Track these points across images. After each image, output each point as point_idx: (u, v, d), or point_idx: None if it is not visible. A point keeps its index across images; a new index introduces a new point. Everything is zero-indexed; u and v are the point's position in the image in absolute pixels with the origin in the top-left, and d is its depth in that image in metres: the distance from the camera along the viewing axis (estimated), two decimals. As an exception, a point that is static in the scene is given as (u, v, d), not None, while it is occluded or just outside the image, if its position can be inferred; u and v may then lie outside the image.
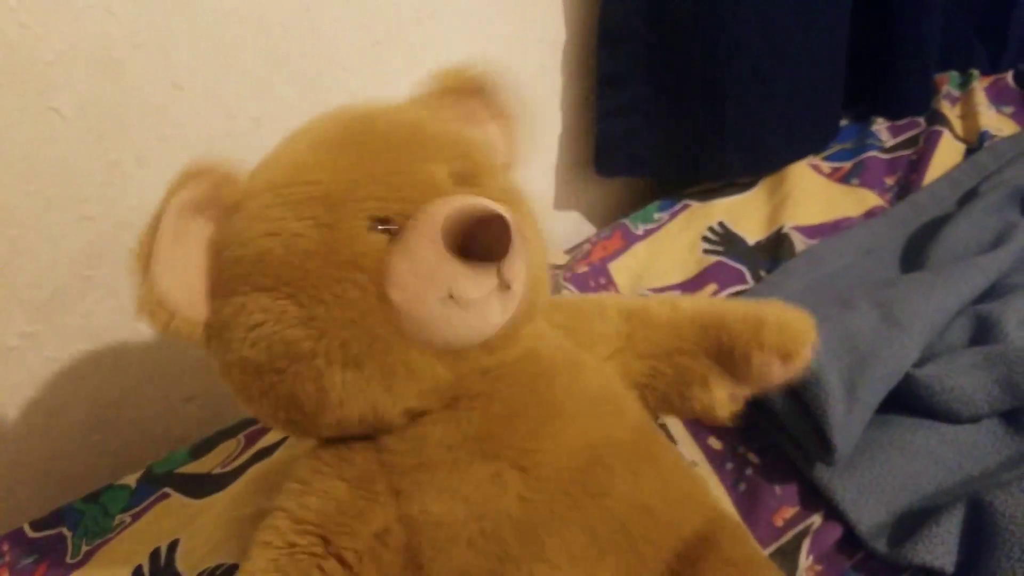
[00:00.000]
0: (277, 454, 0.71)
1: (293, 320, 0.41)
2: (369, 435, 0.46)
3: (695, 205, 0.99)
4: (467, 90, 0.52)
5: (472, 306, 0.41)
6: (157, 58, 0.70)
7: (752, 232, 0.92)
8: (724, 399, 0.56)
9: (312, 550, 0.44)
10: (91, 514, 0.68)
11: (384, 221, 0.42)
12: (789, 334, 0.53)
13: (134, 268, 0.42)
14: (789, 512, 0.61)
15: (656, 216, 0.99)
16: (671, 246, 0.93)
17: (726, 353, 0.54)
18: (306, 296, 0.41)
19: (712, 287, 0.84)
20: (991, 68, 1.16)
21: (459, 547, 0.44)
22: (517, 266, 0.42)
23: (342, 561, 0.44)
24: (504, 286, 0.42)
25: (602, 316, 0.57)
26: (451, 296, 0.41)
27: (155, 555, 0.63)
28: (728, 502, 0.62)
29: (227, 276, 0.43)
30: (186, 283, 0.43)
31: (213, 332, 0.44)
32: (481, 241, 0.40)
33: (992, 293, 0.76)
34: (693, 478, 0.53)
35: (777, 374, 0.54)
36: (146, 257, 0.42)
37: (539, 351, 0.50)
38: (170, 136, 0.73)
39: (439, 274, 0.40)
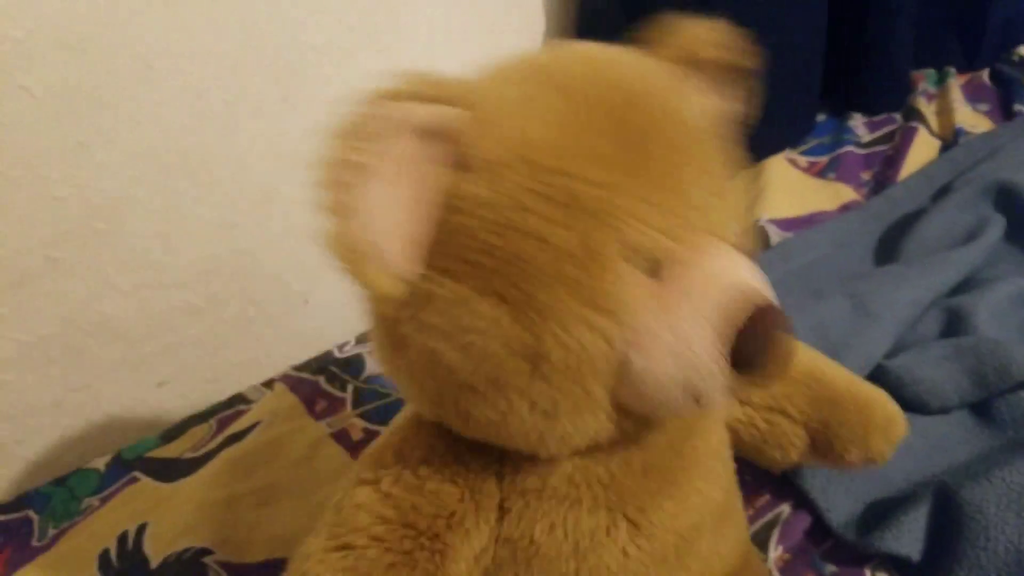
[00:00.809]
0: (250, 438, 0.71)
1: (524, 351, 0.33)
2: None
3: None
4: (719, 63, 0.41)
5: (707, 407, 0.35)
6: (128, 38, 0.69)
7: (728, 224, 0.92)
8: (793, 464, 0.54)
9: (427, 567, 0.38)
10: (58, 497, 0.68)
11: (654, 260, 0.33)
12: (891, 442, 0.51)
13: (324, 184, 0.30)
14: (760, 500, 0.61)
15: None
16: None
17: (826, 438, 0.51)
18: (551, 333, 0.32)
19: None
20: (967, 66, 1.17)
21: None
22: None
23: None
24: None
25: None
26: (693, 392, 0.34)
27: (122, 538, 0.62)
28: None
29: (459, 251, 0.33)
30: (406, 232, 0.32)
31: (411, 301, 0.34)
32: (771, 371, 0.33)
33: (964, 287, 0.76)
34: (744, 523, 0.52)
35: (852, 466, 0.53)
36: (354, 171, 0.30)
37: None
38: (141, 118, 0.72)
39: (703, 376, 0.33)
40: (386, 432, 0.43)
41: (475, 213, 0.32)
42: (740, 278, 0.33)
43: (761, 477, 0.62)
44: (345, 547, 0.38)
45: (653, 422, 0.39)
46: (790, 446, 0.52)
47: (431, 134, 0.32)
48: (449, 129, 0.32)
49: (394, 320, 0.36)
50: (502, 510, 0.40)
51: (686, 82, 0.38)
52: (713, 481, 0.45)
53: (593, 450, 0.39)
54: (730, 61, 0.40)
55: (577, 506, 0.40)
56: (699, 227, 0.33)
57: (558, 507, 0.40)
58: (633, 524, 0.41)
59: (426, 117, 0.31)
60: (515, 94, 0.34)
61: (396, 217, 0.32)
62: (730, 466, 0.48)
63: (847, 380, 0.53)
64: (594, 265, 0.32)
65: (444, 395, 0.36)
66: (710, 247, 0.33)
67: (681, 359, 0.33)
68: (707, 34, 0.40)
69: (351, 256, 0.31)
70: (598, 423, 0.36)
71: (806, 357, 0.53)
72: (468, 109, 0.32)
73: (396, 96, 0.31)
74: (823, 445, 0.52)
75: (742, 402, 0.51)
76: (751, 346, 0.32)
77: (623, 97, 0.34)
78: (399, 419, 0.44)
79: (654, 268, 0.33)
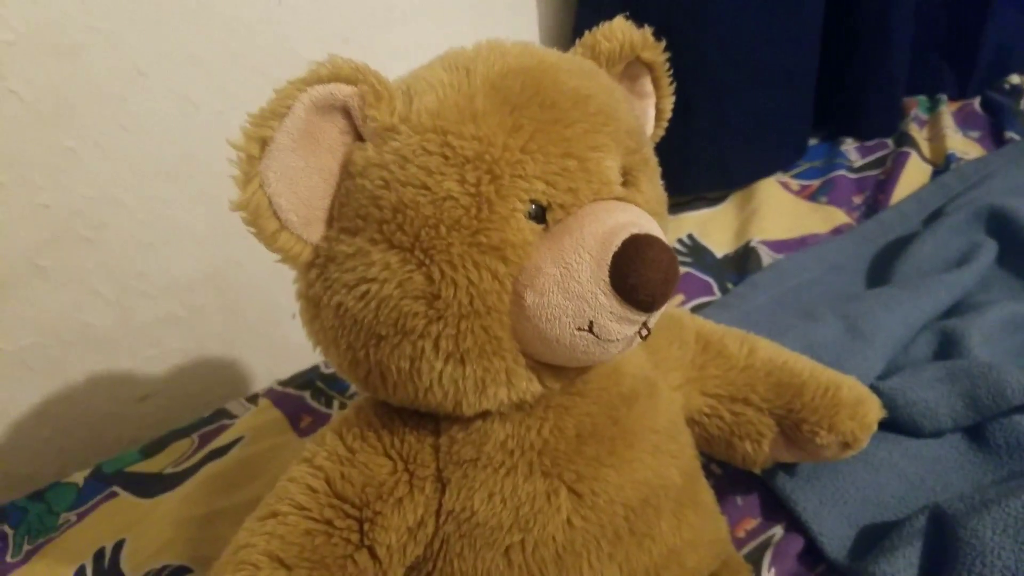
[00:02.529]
0: (232, 454, 0.69)
1: (416, 292, 0.36)
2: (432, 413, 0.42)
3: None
4: (642, 61, 0.46)
5: (607, 343, 0.37)
6: (119, 45, 0.68)
7: (720, 245, 0.93)
8: (768, 458, 0.55)
9: (349, 536, 0.40)
10: (35, 512, 0.66)
11: (546, 209, 0.37)
12: (861, 422, 0.52)
13: (241, 155, 0.35)
14: (751, 523, 0.60)
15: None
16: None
17: (792, 422, 0.53)
18: (439, 271, 0.36)
19: (679, 298, 0.83)
20: (959, 94, 1.18)
21: (494, 553, 0.41)
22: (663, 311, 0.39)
23: (373, 555, 0.41)
24: (644, 333, 0.38)
25: (680, 340, 0.54)
26: (591, 329, 0.36)
27: (99, 555, 0.60)
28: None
29: (355, 209, 0.37)
30: (305, 197, 0.37)
31: (318, 262, 0.38)
32: (647, 289, 0.35)
33: (956, 311, 0.76)
34: (719, 521, 0.52)
35: (829, 454, 0.53)
36: (260, 146, 0.35)
37: (623, 370, 0.46)
38: (130, 125, 0.71)
39: (588, 303, 0.36)
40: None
41: (366, 174, 0.37)
42: (617, 216, 0.37)
43: (751, 499, 0.61)
44: (271, 515, 0.40)
45: (577, 378, 0.42)
46: (759, 436, 0.54)
47: (328, 109, 0.36)
48: (344, 104, 0.36)
49: (309, 285, 0.39)
50: (441, 482, 0.42)
51: (601, 74, 0.43)
52: (665, 459, 0.45)
53: (524, 416, 0.42)
54: (656, 64, 0.46)
55: (513, 473, 0.41)
56: (578, 176, 0.37)
57: (494, 475, 0.41)
58: (574, 492, 0.42)
59: (323, 94, 0.36)
60: (425, 74, 0.39)
61: (299, 184, 0.37)
62: (689, 452, 0.49)
63: (811, 367, 0.55)
64: (475, 207, 0.36)
65: (358, 352, 0.39)
66: (588, 192, 0.37)
67: (567, 289, 0.36)
68: (641, 37, 0.45)
69: (255, 220, 0.36)
70: (512, 374, 0.38)
71: (769, 349, 0.55)
72: (363, 86, 0.36)
73: (305, 79, 0.36)
74: (792, 431, 0.53)
75: (704, 392, 0.53)
76: (630, 271, 0.35)
77: (515, 74, 0.38)
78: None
79: (538, 212, 0.37)
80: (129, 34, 0.69)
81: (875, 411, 0.53)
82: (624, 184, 0.40)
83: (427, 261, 0.36)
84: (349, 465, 0.41)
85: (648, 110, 0.48)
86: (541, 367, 0.40)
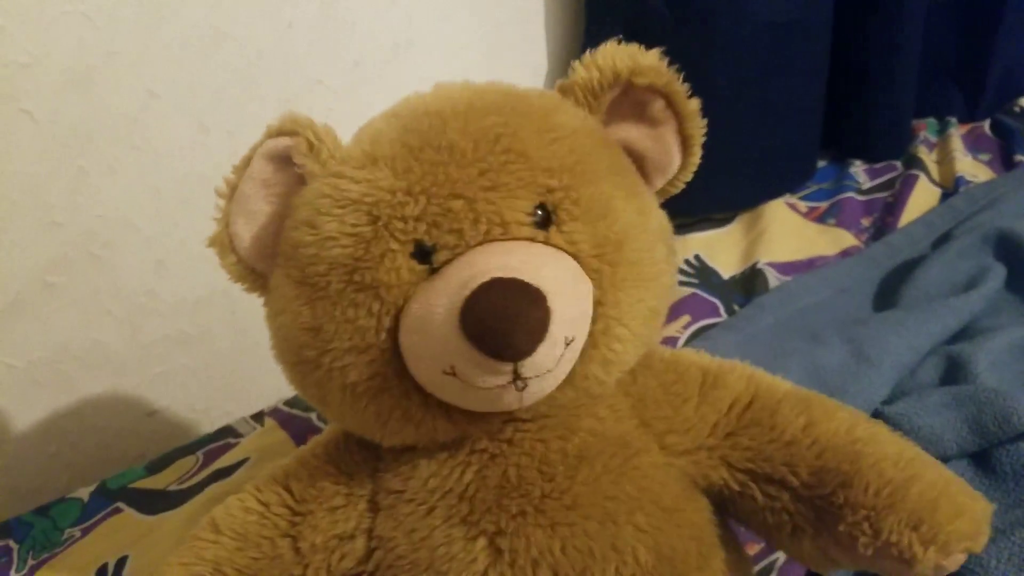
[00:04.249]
0: (236, 475, 0.70)
1: (304, 324, 0.39)
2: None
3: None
4: (644, 87, 0.42)
5: (478, 390, 0.36)
6: (132, 68, 0.70)
7: (727, 266, 0.92)
8: (822, 559, 0.43)
9: (277, 522, 0.43)
10: (40, 527, 0.66)
11: (430, 250, 0.37)
12: (925, 535, 0.37)
13: (220, 195, 0.42)
14: (755, 548, 0.60)
15: (633, 248, 0.99)
16: (646, 278, 0.93)
17: (832, 519, 0.40)
18: (320, 307, 0.38)
19: (686, 318, 0.83)
20: (969, 116, 1.18)
21: None
22: (547, 361, 0.36)
23: (296, 548, 0.43)
24: (520, 385, 0.36)
25: (706, 400, 0.44)
26: (454, 373, 0.36)
27: (102, 571, 0.61)
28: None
29: (281, 247, 0.41)
30: (258, 233, 0.42)
31: (268, 292, 0.43)
32: (490, 336, 0.34)
33: (964, 335, 0.76)
34: None
35: (891, 570, 0.40)
36: (231, 189, 0.41)
37: (576, 425, 0.41)
38: (141, 146, 0.72)
39: (444, 348, 0.35)
40: None
41: (292, 215, 0.41)
42: (496, 259, 0.36)
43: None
44: (239, 492, 0.45)
45: (506, 425, 0.41)
46: (798, 530, 0.42)
47: (280, 159, 0.41)
48: (288, 154, 0.40)
49: (268, 326, 0.43)
50: (375, 505, 0.43)
51: (560, 111, 0.42)
52: (624, 532, 0.39)
53: (449, 457, 0.41)
54: (661, 88, 0.42)
55: (432, 514, 0.41)
56: (463, 217, 0.37)
57: (415, 512, 0.41)
58: (494, 547, 0.39)
59: (270, 147, 0.41)
60: (372, 121, 0.43)
61: (256, 224, 0.42)
62: (679, 531, 0.41)
63: (893, 456, 0.41)
64: (352, 247, 0.38)
65: (293, 376, 0.42)
66: (475, 233, 0.37)
67: (426, 331, 0.36)
68: (645, 60, 0.42)
69: (219, 253, 0.42)
70: (408, 412, 0.39)
71: (843, 424, 0.42)
72: (298, 138, 0.40)
73: (268, 132, 0.41)
74: (833, 531, 0.41)
75: (730, 464, 0.43)
76: (473, 315, 0.34)
77: (426, 117, 0.40)
78: None
79: (423, 253, 0.38)
80: (142, 57, 0.70)
81: (963, 527, 0.37)
82: (544, 224, 0.39)
83: (312, 296, 0.39)
84: (305, 467, 0.45)
85: (666, 136, 0.44)
86: (454, 409, 0.39)
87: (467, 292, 0.34)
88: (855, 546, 0.39)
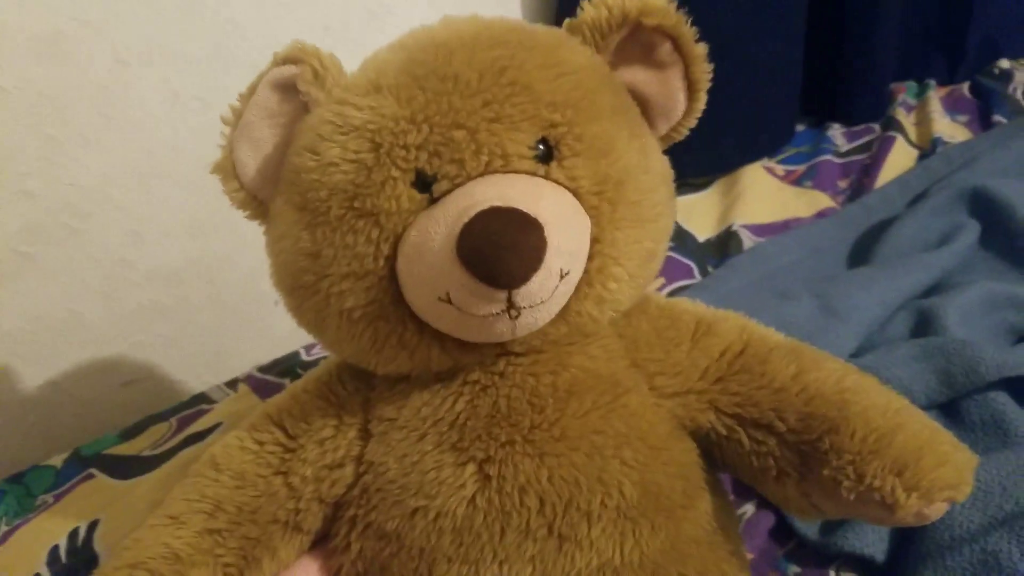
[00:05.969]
0: (210, 439, 0.70)
1: (304, 249, 0.39)
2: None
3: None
4: (652, 28, 0.41)
5: (472, 317, 0.37)
6: (101, 36, 0.69)
7: (703, 229, 0.93)
8: (804, 504, 0.43)
9: (270, 460, 0.44)
10: (13, 494, 0.67)
11: (430, 180, 0.38)
12: (908, 481, 0.38)
13: (226, 122, 0.42)
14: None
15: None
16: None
17: (816, 463, 0.41)
18: (320, 232, 0.39)
19: (660, 280, 0.83)
20: (949, 79, 1.18)
21: (402, 512, 0.41)
22: (541, 291, 0.36)
23: (288, 484, 0.43)
24: (513, 314, 0.36)
25: (698, 345, 0.45)
26: (449, 300, 0.36)
27: (73, 534, 0.61)
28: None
29: (284, 173, 0.42)
30: (261, 161, 0.42)
31: (269, 219, 0.43)
32: (486, 262, 0.34)
33: (936, 291, 0.76)
34: (725, 561, 0.44)
35: (875, 516, 0.40)
36: (237, 117, 0.42)
37: (568, 361, 0.42)
38: (113, 115, 0.72)
39: (440, 274, 0.36)
40: None
41: (295, 141, 0.41)
42: (495, 189, 0.36)
43: (723, 476, 0.60)
44: (236, 430, 0.46)
45: (499, 358, 0.41)
46: (782, 474, 0.43)
47: (285, 87, 0.41)
48: (293, 82, 0.40)
49: (268, 252, 0.43)
50: (366, 433, 0.44)
51: (564, 47, 0.41)
52: (610, 466, 0.40)
53: (442, 387, 0.42)
54: (668, 29, 0.42)
55: (423, 440, 0.42)
56: (465, 147, 0.37)
57: (407, 438, 0.42)
58: (483, 473, 0.40)
59: (276, 75, 0.41)
60: (377, 52, 0.42)
61: (260, 151, 0.42)
62: (666, 469, 0.42)
63: (881, 407, 0.41)
64: (354, 173, 0.38)
65: (290, 302, 0.42)
66: (476, 164, 0.37)
67: (423, 258, 0.36)
68: (640, 2, 0.41)
69: (223, 179, 0.42)
70: (404, 340, 0.40)
71: (832, 374, 0.43)
72: (303, 65, 0.40)
73: (274, 60, 0.41)
74: (818, 476, 0.41)
75: (718, 408, 0.44)
76: (470, 242, 0.34)
77: (433, 48, 0.40)
78: None
79: (423, 182, 0.38)
80: (112, 24, 0.69)
81: (946, 476, 0.38)
82: (545, 159, 0.39)
83: (312, 223, 0.39)
84: (297, 401, 0.45)
85: (672, 80, 0.44)
86: (448, 339, 0.40)
87: (465, 220, 0.35)
88: (838, 491, 0.39)
